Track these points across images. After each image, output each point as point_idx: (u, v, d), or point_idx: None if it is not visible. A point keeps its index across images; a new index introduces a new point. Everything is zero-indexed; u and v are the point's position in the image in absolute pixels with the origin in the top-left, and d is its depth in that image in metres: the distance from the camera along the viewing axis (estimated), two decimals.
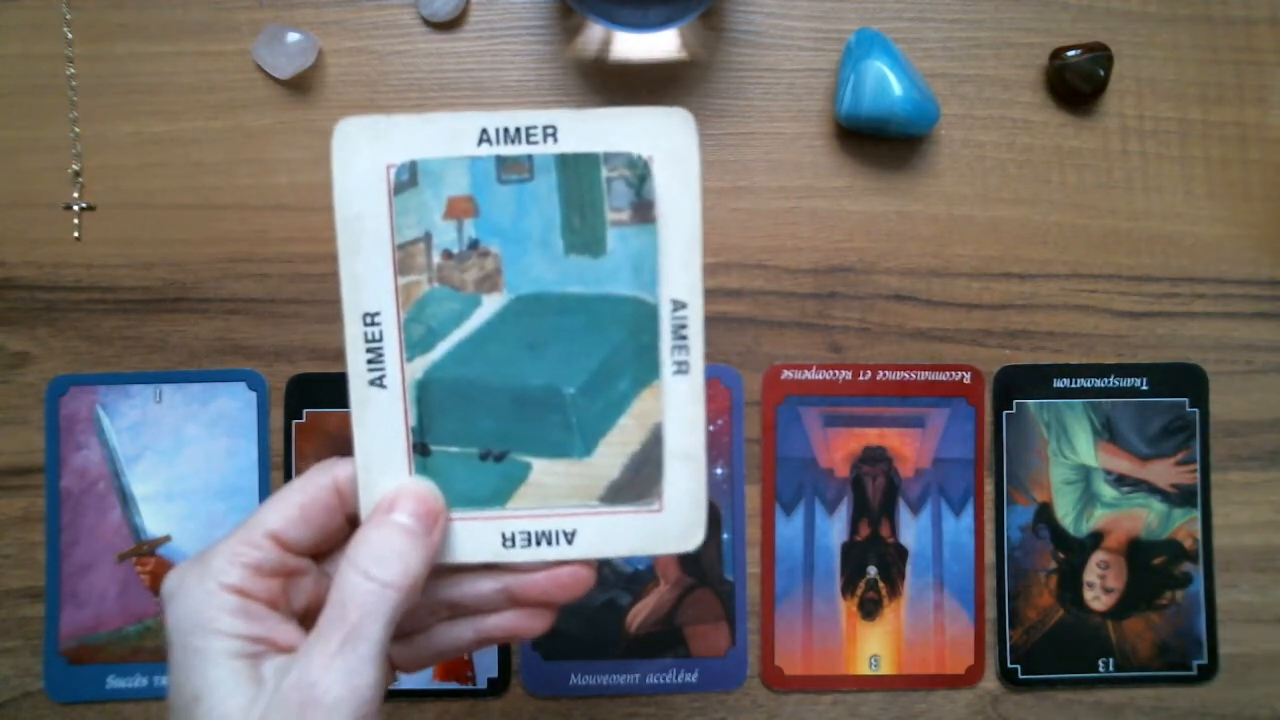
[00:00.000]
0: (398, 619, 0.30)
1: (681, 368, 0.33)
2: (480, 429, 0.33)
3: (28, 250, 0.51)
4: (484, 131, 0.32)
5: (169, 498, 0.50)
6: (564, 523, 0.33)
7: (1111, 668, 0.52)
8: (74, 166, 0.51)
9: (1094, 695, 0.52)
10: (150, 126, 0.51)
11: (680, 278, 0.32)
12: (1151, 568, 0.52)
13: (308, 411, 0.51)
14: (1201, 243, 0.53)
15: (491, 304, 0.32)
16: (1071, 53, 0.52)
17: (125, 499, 0.50)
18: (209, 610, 0.30)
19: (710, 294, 0.52)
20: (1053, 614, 0.52)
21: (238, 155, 0.51)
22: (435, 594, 0.33)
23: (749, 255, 0.52)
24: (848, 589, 0.52)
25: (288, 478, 0.50)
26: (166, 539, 0.50)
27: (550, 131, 0.32)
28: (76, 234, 0.51)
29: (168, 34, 0.51)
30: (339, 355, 0.51)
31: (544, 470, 0.33)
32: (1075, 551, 0.52)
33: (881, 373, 0.52)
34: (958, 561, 0.52)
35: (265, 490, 0.50)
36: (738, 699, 0.51)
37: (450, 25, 0.52)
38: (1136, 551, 0.52)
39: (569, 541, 0.33)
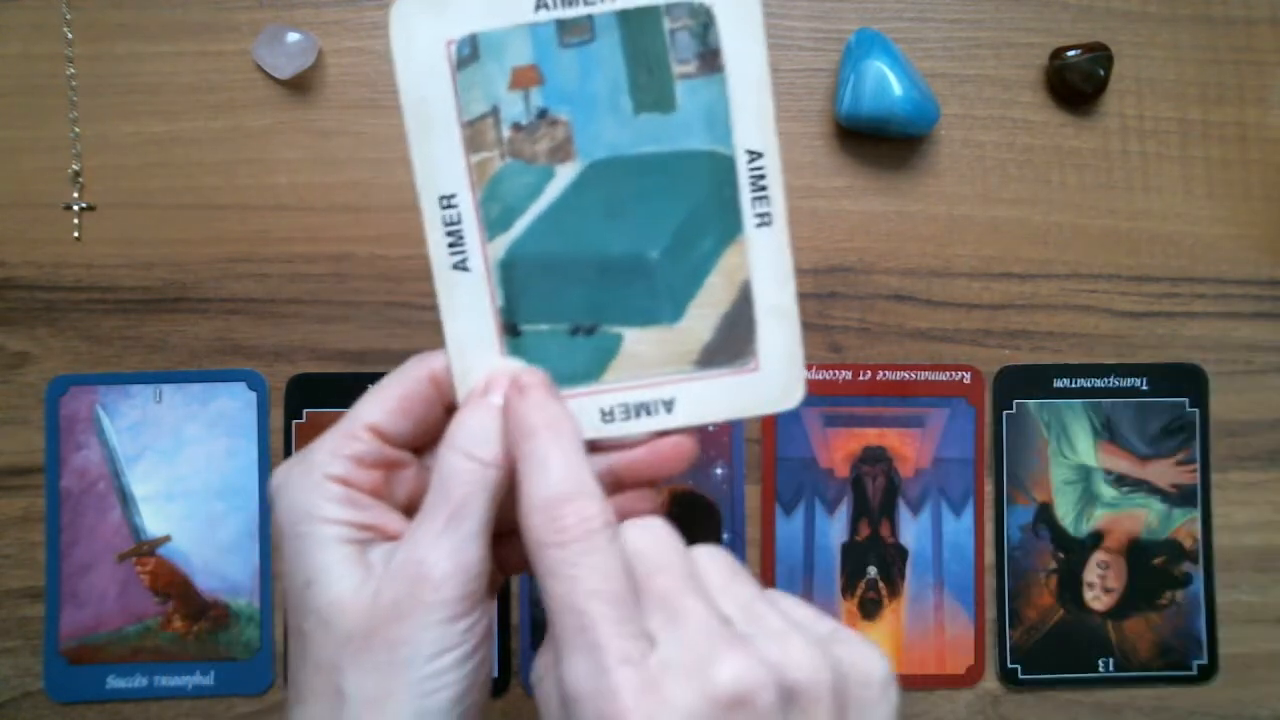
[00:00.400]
0: (500, 499, 0.30)
1: (764, 219, 0.32)
2: (568, 303, 0.32)
3: (28, 250, 0.51)
4: None
5: (169, 498, 0.50)
6: (661, 391, 0.32)
7: (1111, 668, 0.52)
8: (74, 166, 0.51)
9: (1094, 695, 0.52)
10: (150, 126, 0.51)
11: (753, 127, 0.31)
12: (1151, 568, 0.52)
13: (308, 411, 0.51)
14: (1201, 243, 0.53)
15: (565, 174, 0.32)
16: (1071, 53, 0.52)
17: (125, 499, 0.50)
18: (315, 499, 0.30)
19: None
20: (1053, 614, 0.52)
21: (238, 155, 0.51)
22: None
23: None
24: (848, 589, 0.52)
25: None
26: (166, 539, 0.50)
27: None
28: (76, 234, 0.51)
29: (168, 34, 0.51)
30: (339, 355, 0.51)
31: (636, 339, 0.32)
32: (1075, 551, 0.52)
33: (881, 373, 0.52)
34: (958, 561, 0.52)
35: (265, 490, 0.50)
36: None
37: None
38: (1136, 551, 0.52)
39: (668, 410, 0.32)
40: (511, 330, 0.32)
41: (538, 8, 0.31)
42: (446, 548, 0.29)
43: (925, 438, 0.52)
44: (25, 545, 0.51)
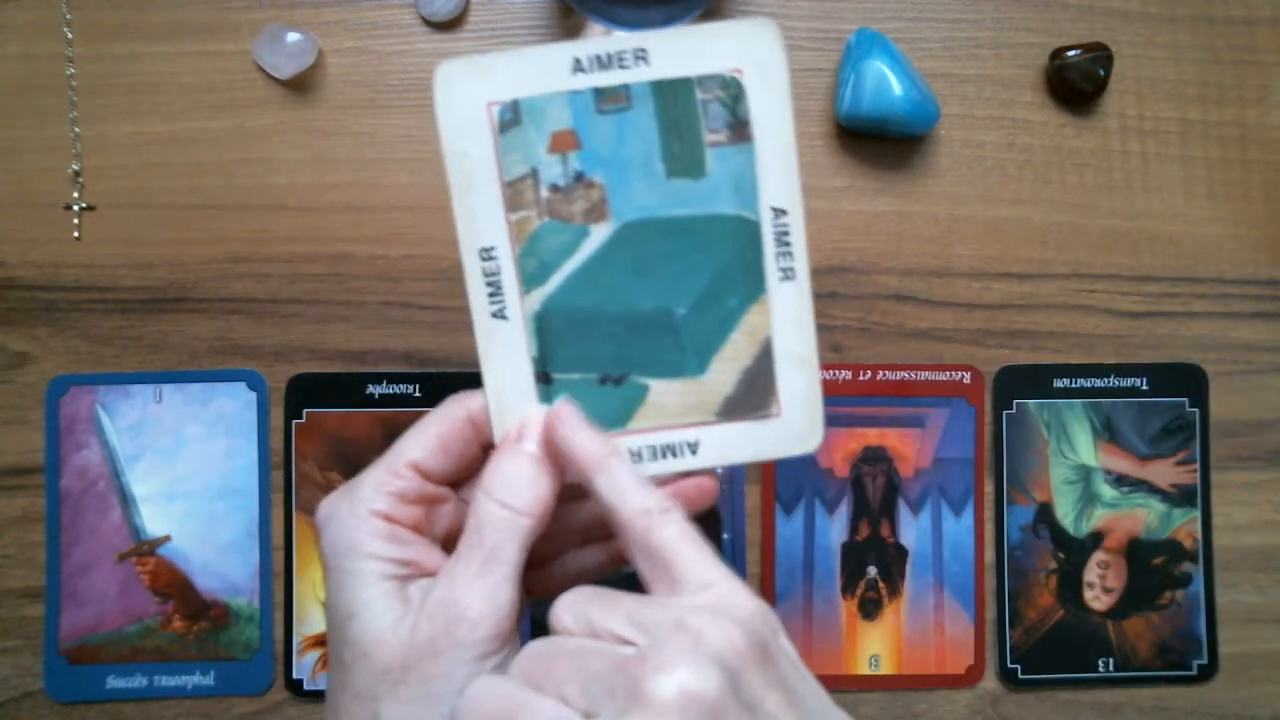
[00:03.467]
0: (532, 542, 0.32)
1: (788, 274, 0.34)
2: (598, 355, 0.34)
3: (28, 250, 0.51)
4: (577, 60, 0.32)
5: (169, 498, 0.50)
6: (686, 434, 0.34)
7: (1111, 668, 0.52)
8: (74, 166, 0.51)
9: (1094, 695, 0.52)
10: (150, 126, 0.51)
11: (780, 187, 0.33)
12: (1151, 568, 0.52)
13: (308, 411, 0.51)
14: (1201, 243, 0.53)
15: (600, 233, 0.33)
16: (1071, 53, 0.52)
17: (125, 499, 0.50)
18: (359, 535, 0.31)
19: None
20: (1053, 614, 0.52)
21: (238, 155, 0.51)
22: (566, 520, 0.35)
23: None
24: (848, 589, 0.52)
25: (288, 478, 0.50)
26: (166, 539, 0.50)
27: (641, 55, 0.32)
28: (76, 234, 0.51)
29: (168, 34, 0.51)
30: (339, 355, 0.51)
31: (661, 390, 0.34)
32: (1075, 551, 0.52)
33: (881, 373, 0.52)
34: (958, 561, 0.52)
35: (265, 490, 0.50)
36: None
37: (450, 25, 0.52)
38: (1136, 551, 0.52)
39: (693, 452, 0.34)
40: (544, 379, 0.34)
41: (574, 71, 0.32)
42: (481, 590, 0.30)
43: (925, 438, 0.52)
44: (25, 545, 0.51)
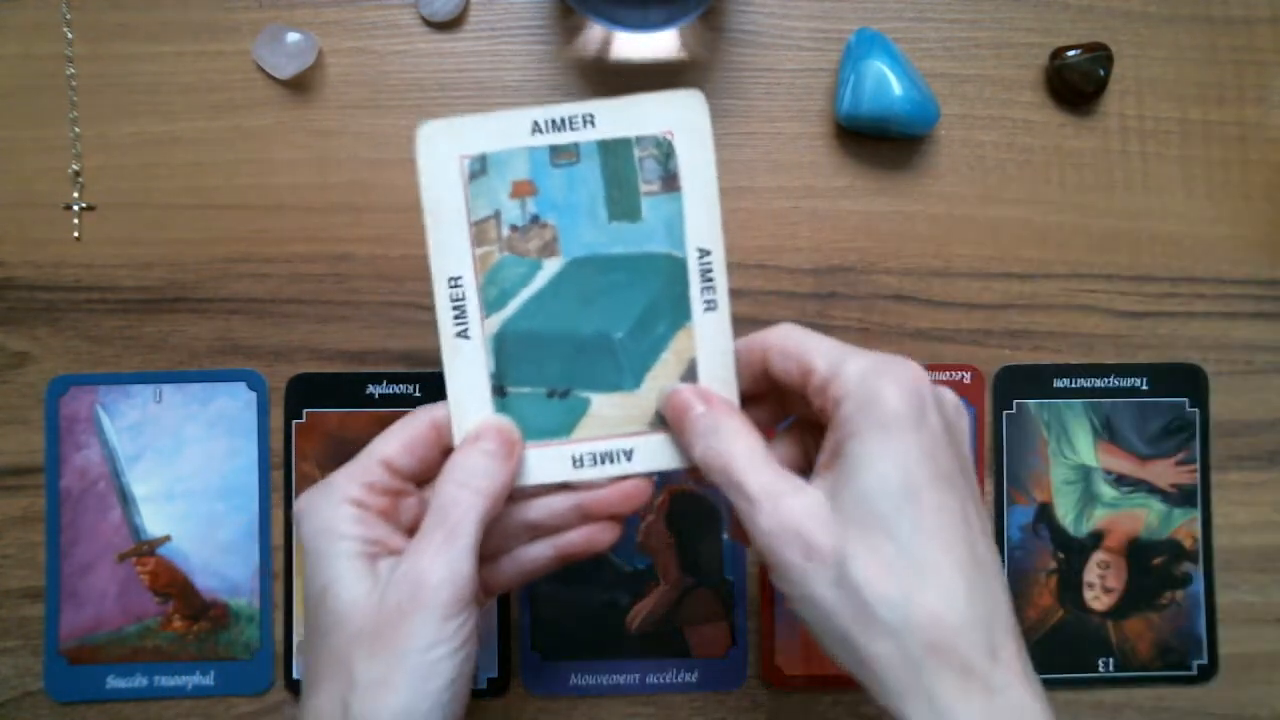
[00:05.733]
0: (487, 523, 0.36)
1: (710, 305, 0.39)
2: (547, 372, 0.39)
3: (28, 250, 0.51)
4: (535, 123, 0.38)
5: (169, 498, 0.50)
6: (622, 443, 0.40)
7: (1111, 668, 0.52)
8: (74, 166, 0.51)
9: (1094, 695, 0.52)
10: (150, 126, 0.51)
11: (704, 230, 0.39)
12: (1151, 568, 0.52)
13: (308, 411, 0.51)
14: (1201, 243, 0.53)
15: (551, 267, 0.39)
16: (1071, 53, 0.52)
17: (125, 499, 0.50)
18: (335, 518, 0.36)
19: None
20: (1053, 614, 0.52)
21: (238, 155, 0.51)
22: (516, 517, 0.40)
23: (749, 255, 0.52)
24: None
25: (288, 478, 0.51)
26: (166, 539, 0.50)
27: (589, 118, 0.38)
28: (76, 234, 0.51)
29: (168, 34, 0.51)
30: (339, 355, 0.51)
31: (601, 403, 0.40)
32: (1075, 551, 0.52)
33: None
34: None
35: (265, 490, 0.50)
36: (738, 699, 0.51)
37: (450, 25, 0.52)
38: (1136, 551, 0.52)
39: (628, 459, 0.40)
40: (499, 391, 0.39)
41: (533, 132, 0.38)
42: (443, 559, 0.35)
43: None
44: (25, 545, 0.51)
